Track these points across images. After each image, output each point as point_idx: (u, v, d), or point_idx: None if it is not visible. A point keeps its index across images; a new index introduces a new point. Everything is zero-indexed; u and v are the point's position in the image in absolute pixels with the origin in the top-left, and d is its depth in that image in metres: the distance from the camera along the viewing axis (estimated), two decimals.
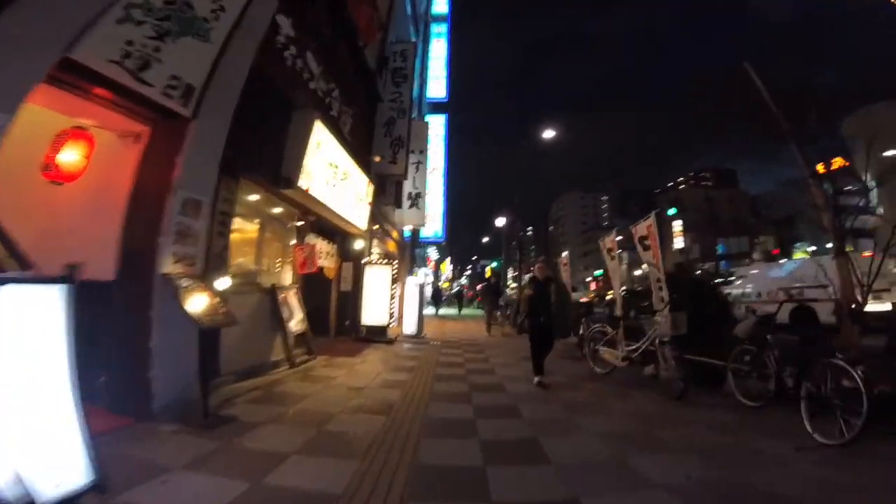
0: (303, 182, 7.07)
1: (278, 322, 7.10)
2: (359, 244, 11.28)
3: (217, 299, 4.45)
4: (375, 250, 13.47)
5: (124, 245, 4.31)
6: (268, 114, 6.49)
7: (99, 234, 4.41)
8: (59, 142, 4.10)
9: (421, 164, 15.93)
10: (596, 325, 8.10)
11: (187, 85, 4.25)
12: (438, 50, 22.58)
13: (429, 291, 13.59)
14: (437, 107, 22.91)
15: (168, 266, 4.22)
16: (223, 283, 4.80)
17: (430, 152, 17.45)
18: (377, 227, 13.42)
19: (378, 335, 11.01)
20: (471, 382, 6.70)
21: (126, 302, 4.22)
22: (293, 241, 8.94)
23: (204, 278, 4.56)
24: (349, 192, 9.60)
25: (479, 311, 25.32)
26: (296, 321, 7.61)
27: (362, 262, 11.42)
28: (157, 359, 4.11)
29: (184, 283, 4.20)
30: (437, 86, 22.38)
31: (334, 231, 10.42)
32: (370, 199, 11.25)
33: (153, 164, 4.42)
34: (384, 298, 11.32)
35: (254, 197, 7.48)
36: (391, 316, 11.36)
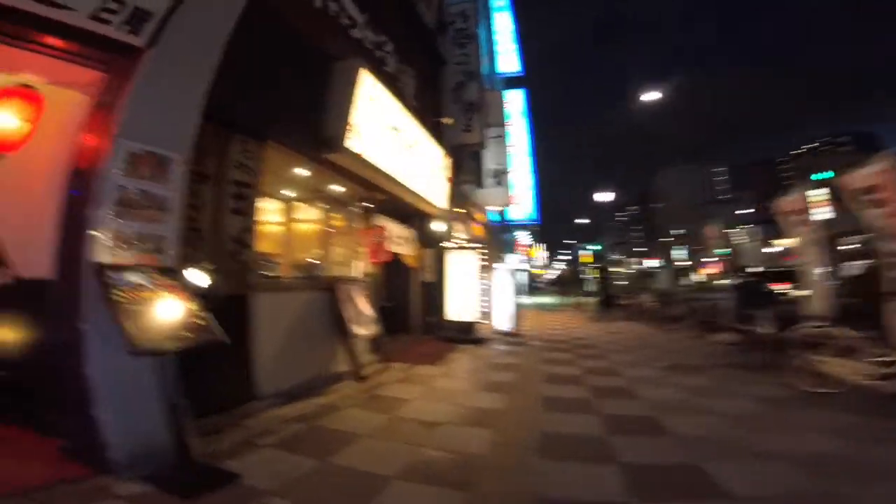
0: (353, 143, 5.37)
1: (340, 325, 5.51)
2: (441, 227, 9.44)
3: (193, 304, 2.81)
4: (459, 234, 11.60)
5: (60, 227, 2.86)
6: (301, 70, 5.07)
7: (39, 216, 3.04)
8: None
9: (500, 139, 14.04)
10: (808, 324, 5.23)
11: (136, 8, 2.88)
12: (503, 23, 20.38)
13: (521, 279, 11.51)
14: (511, 82, 20.89)
15: (104, 253, 2.64)
16: (200, 277, 3.10)
17: (510, 129, 16.09)
18: (460, 208, 11.56)
19: (465, 333, 9.10)
20: (604, 414, 4.42)
21: (58, 309, 2.77)
22: (358, 225, 7.35)
23: (176, 272, 2.95)
24: (420, 163, 7.82)
25: (582, 300, 22.32)
26: (364, 323, 5.99)
27: (443, 247, 9.57)
28: (101, 391, 2.63)
29: (130, 278, 2.61)
30: (508, 60, 20.43)
31: (410, 213, 8.75)
32: (448, 173, 9.39)
33: (98, 116, 2.94)
34: (470, 290, 9.35)
35: (301, 171, 5.99)
36: (480, 310, 9.36)
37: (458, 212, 12.16)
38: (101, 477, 2.56)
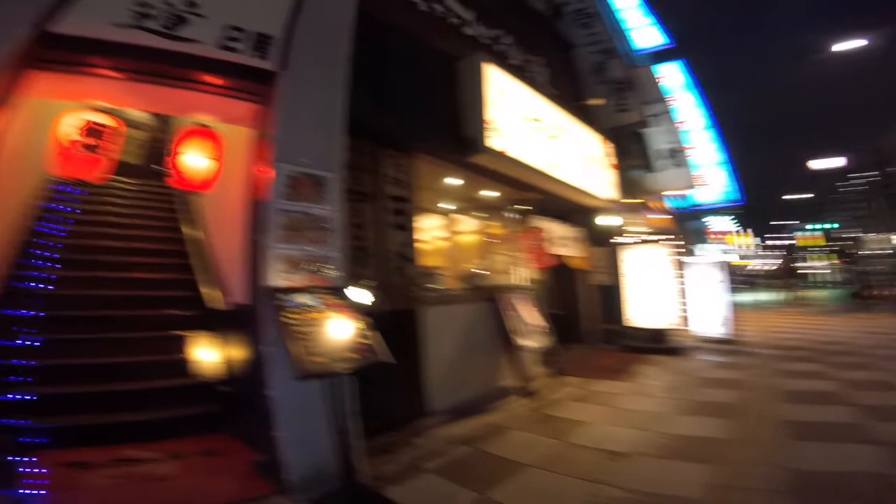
0: (494, 141, 5.10)
1: (504, 337, 5.20)
2: (610, 221, 8.43)
3: (359, 323, 2.80)
4: (637, 227, 10.22)
5: (247, 255, 3.22)
6: (428, 75, 5.01)
7: (238, 245, 3.52)
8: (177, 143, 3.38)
9: (666, 116, 12.09)
10: None
11: (258, 34, 3.19)
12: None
13: (724, 273, 9.31)
14: (661, 56, 18.24)
15: (277, 277, 2.82)
16: (364, 295, 3.08)
17: (676, 104, 14.13)
18: (634, 197, 10.21)
19: (655, 341, 7.77)
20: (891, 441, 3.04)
21: (252, 332, 3.08)
22: (516, 230, 7.01)
23: (343, 291, 3.01)
24: (572, 152, 7.08)
25: (808, 293, 17.42)
26: (530, 333, 5.54)
27: (617, 243, 8.48)
28: (280, 411, 2.77)
29: (300, 300, 2.72)
30: (647, 34, 17.87)
31: (572, 209, 8.01)
32: (610, 159, 8.36)
33: (261, 146, 3.22)
34: (659, 290, 8.00)
35: (452, 180, 5.98)
36: (675, 313, 7.90)
37: (631, 202, 10.79)
38: (276, 497, 2.64)
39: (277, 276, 2.82)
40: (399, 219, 4.24)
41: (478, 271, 6.41)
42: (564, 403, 4.80)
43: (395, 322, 3.90)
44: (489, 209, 7.36)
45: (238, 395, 3.54)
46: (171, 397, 3.63)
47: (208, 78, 3.17)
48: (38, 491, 2.44)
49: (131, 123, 8.71)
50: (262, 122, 3.23)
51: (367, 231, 3.92)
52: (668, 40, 18.00)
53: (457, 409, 4.31)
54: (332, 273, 3.04)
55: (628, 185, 9.42)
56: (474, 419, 4.25)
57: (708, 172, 17.10)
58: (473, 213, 7.50)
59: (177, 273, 5.04)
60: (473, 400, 4.57)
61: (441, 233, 7.81)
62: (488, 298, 5.36)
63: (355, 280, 3.55)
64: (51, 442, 2.91)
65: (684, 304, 8.05)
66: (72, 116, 3.22)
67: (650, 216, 11.31)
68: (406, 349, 4.02)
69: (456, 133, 5.11)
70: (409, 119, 4.53)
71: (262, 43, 3.21)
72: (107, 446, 3.00)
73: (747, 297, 20.44)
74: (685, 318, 8.10)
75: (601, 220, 8.40)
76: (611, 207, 8.40)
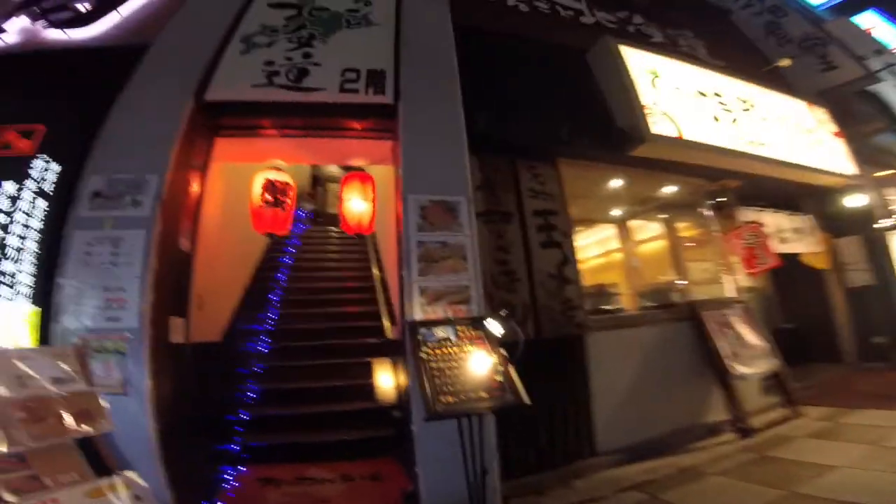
0: (660, 127, 4.30)
1: (711, 362, 4.17)
2: (859, 200, 6.21)
3: (497, 357, 2.52)
4: None
5: (397, 290, 3.31)
6: (557, 76, 4.66)
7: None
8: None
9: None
10: None
11: (369, 71, 3.50)
12: None
13: None
14: (848, 8, 13.70)
15: (416, 310, 2.75)
16: (499, 326, 2.72)
17: None
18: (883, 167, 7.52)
19: None
20: None
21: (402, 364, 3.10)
22: (718, 228, 5.70)
23: (483, 321, 2.77)
24: (772, 124, 5.57)
25: None
26: (749, 356, 4.34)
27: (879, 229, 6.16)
28: (419, 447, 2.70)
29: (438, 333, 2.59)
30: None
31: (791, 194, 6.23)
32: (827, 126, 6.32)
33: (397, 181, 3.32)
34: None
35: (613, 182, 5.28)
36: None
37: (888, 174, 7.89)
38: None
39: (418, 309, 2.77)
40: (548, 235, 3.82)
41: (669, 285, 5.37)
42: (797, 441, 3.60)
43: (551, 351, 3.51)
44: (675, 208, 6.24)
45: (405, 421, 3.59)
46: (355, 419, 3.94)
47: (338, 122, 3.56)
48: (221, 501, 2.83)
49: (329, 178, 10.59)
50: (395, 156, 3.34)
51: (512, 253, 3.62)
52: None
53: (635, 450, 3.60)
54: (471, 303, 2.83)
55: (874, 154, 6.93)
56: (660, 461, 3.50)
57: None
58: (655, 217, 6.47)
59: (366, 307, 5.68)
60: (660, 438, 3.75)
61: (615, 244, 6.97)
62: (685, 317, 4.40)
63: (500, 308, 3.29)
64: (251, 458, 3.44)
65: None
66: (259, 176, 3.92)
67: None
68: (565, 381, 3.56)
69: (605, 128, 4.52)
70: (544, 124, 4.23)
71: (375, 79, 3.45)
72: (295, 464, 3.42)
73: None
74: None
75: (846, 201, 6.23)
76: (855, 183, 6.19)
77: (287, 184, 3.98)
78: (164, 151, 2.95)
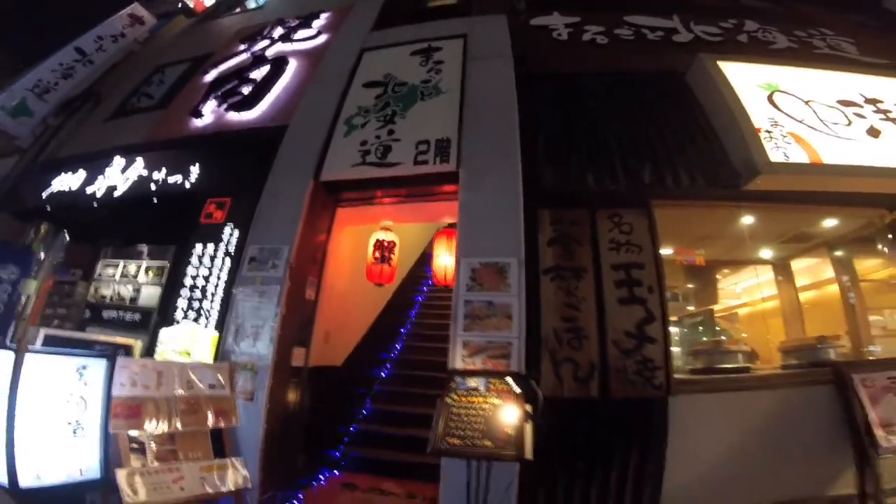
0: (783, 152, 3.80)
1: (854, 433, 3.36)
2: None
3: (518, 412, 2.70)
4: None
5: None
6: (644, 115, 4.40)
7: None
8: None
9: None
10: None
11: (437, 140, 4.04)
12: None
13: None
14: None
15: (458, 360, 3.11)
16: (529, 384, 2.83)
17: None
18: None
19: None
20: None
21: None
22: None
23: (520, 377, 2.96)
24: None
25: None
26: None
27: None
28: (443, 483, 3.06)
29: (470, 383, 2.91)
30: None
31: None
32: None
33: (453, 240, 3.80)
34: None
35: (746, 220, 4.60)
36: None
37: None
38: None
39: (459, 360, 3.11)
40: (629, 291, 3.62)
41: (819, 341, 4.31)
42: None
43: (619, 413, 3.35)
44: (848, 244, 5.01)
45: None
46: None
47: (424, 189, 4.24)
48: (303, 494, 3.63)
49: None
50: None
51: (581, 310, 3.55)
52: None
53: None
54: (512, 358, 3.04)
55: None
56: None
57: None
58: (822, 255, 5.27)
59: None
60: None
61: (771, 290, 5.82)
62: (825, 380, 3.61)
63: (564, 365, 3.36)
64: (347, 465, 4.23)
65: None
66: (371, 237, 4.82)
67: None
68: (633, 445, 3.32)
69: (715, 160, 4.06)
70: (630, 166, 4.02)
71: (442, 147, 3.98)
72: (377, 476, 4.04)
73: None
74: None
75: None
76: None
77: (393, 242, 4.77)
78: (293, 225, 4.01)
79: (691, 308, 6.03)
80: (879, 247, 4.59)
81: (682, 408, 3.39)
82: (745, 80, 4.19)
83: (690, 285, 6.08)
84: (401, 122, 4.40)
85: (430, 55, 4.99)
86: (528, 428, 2.63)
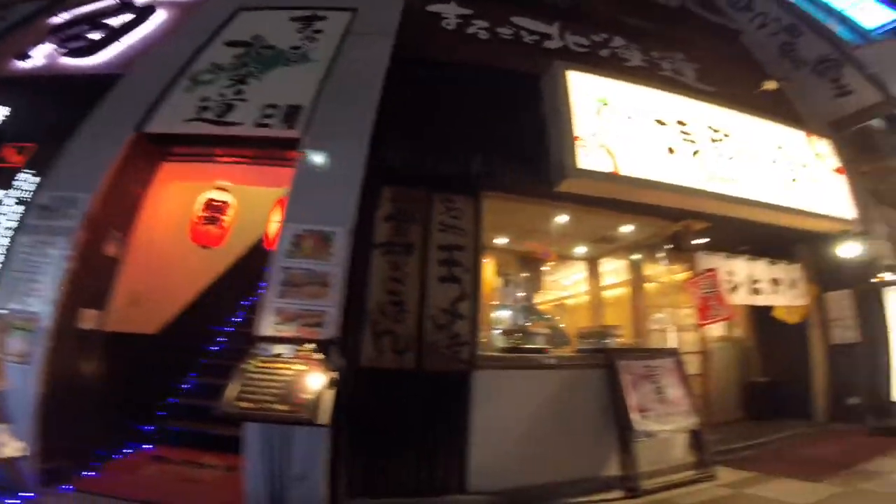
0: (592, 160, 4.34)
1: (616, 413, 3.99)
2: (854, 251, 5.67)
3: (322, 379, 2.77)
4: None
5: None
6: (499, 112, 4.67)
7: None
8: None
9: None
10: None
11: (289, 106, 3.90)
12: None
13: None
14: None
15: (268, 327, 3.07)
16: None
17: None
18: None
19: None
20: None
21: None
22: (680, 274, 5.49)
23: (329, 345, 3.02)
24: (754, 158, 5.23)
25: None
26: (664, 412, 4.07)
27: (874, 284, 5.57)
28: (248, 450, 2.99)
29: (275, 350, 2.91)
30: (868, 12, 12.27)
31: (781, 240, 5.81)
32: (833, 162, 5.82)
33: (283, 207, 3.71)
34: None
35: (561, 219, 5.22)
36: None
37: None
38: None
39: (270, 327, 3.08)
40: (449, 270, 3.92)
41: (608, 329, 5.08)
42: None
43: (432, 384, 3.62)
44: (641, 250, 6.03)
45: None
46: None
47: (268, 152, 4.02)
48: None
49: None
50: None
51: (407, 284, 3.75)
52: None
53: (513, 494, 3.54)
54: (326, 327, 3.09)
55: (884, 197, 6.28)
56: None
57: None
58: (623, 257, 6.27)
59: None
60: (545, 486, 3.66)
61: (584, 286, 6.78)
62: (602, 364, 4.19)
63: (384, 336, 3.52)
64: (162, 439, 4.01)
65: None
66: (202, 196, 4.47)
67: None
68: (443, 414, 3.62)
69: (541, 161, 4.48)
70: (469, 156, 4.26)
71: (291, 114, 3.87)
72: (198, 450, 3.88)
73: None
74: None
75: (840, 251, 5.71)
76: (853, 231, 5.66)
77: (226, 203, 4.47)
78: (97, 173, 3.54)
79: (522, 294, 6.75)
80: (661, 254, 5.66)
81: (487, 383, 3.75)
82: (587, 91, 4.65)
83: (524, 274, 6.80)
84: (254, 83, 4.19)
85: (311, 23, 4.76)
86: (329, 394, 2.72)
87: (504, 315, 6.24)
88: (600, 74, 4.93)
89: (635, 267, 5.98)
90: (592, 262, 6.71)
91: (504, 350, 4.71)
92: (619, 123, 4.68)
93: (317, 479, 2.94)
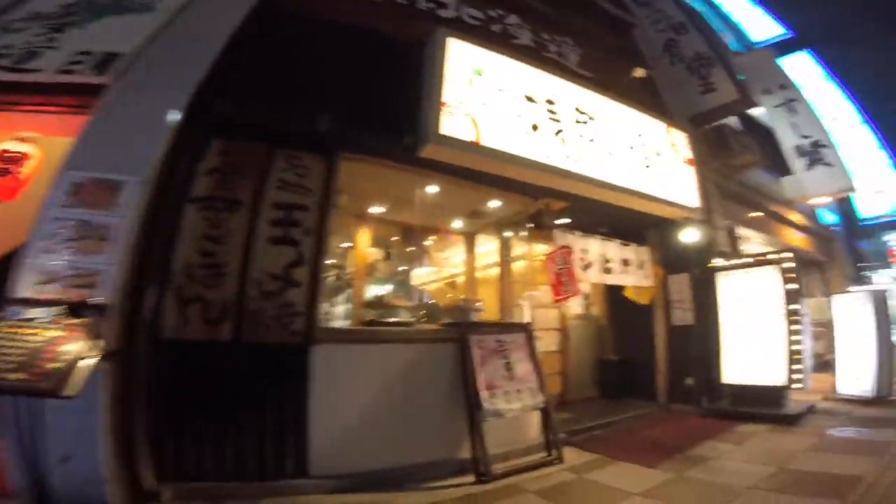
0: (458, 129, 4.21)
1: (466, 394, 3.88)
2: (693, 237, 6.25)
3: (94, 348, 2.35)
4: (755, 245, 7.54)
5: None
6: (379, 74, 4.43)
7: None
8: None
9: (797, 103, 9.65)
10: None
11: (105, 53, 3.41)
12: None
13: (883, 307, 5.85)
14: (786, 47, 15.89)
15: (25, 287, 2.56)
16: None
17: (814, 97, 11.88)
18: (748, 206, 7.71)
19: (762, 404, 5.28)
20: None
21: None
22: (539, 251, 5.67)
23: (90, 309, 2.57)
24: (613, 143, 5.48)
25: None
26: (513, 391, 4.05)
27: (711, 268, 6.18)
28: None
29: (28, 314, 2.42)
30: (759, 25, 16.80)
31: (636, 224, 6.21)
32: (686, 153, 6.33)
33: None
34: (770, 332, 5.49)
35: (423, 189, 5.10)
36: (793, 364, 5.27)
37: (755, 215, 8.07)
38: None
39: (28, 287, 2.56)
40: (284, 231, 3.59)
41: (467, 304, 5.08)
42: (523, 497, 3.29)
43: (257, 358, 3.29)
44: (508, 226, 6.11)
45: None
46: None
47: (71, 101, 3.33)
48: None
49: None
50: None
51: (226, 245, 3.37)
52: (785, 31, 16.49)
53: (360, 478, 3.34)
54: (100, 288, 2.64)
55: (742, 190, 7.10)
56: (379, 494, 3.23)
57: (879, 176, 12.53)
58: (493, 233, 6.34)
59: None
60: (395, 470, 3.49)
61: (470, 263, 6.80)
62: (454, 339, 4.07)
63: (192, 303, 3.13)
64: None
65: (812, 350, 5.35)
66: None
67: (781, 229, 8.23)
68: (273, 391, 3.33)
69: (408, 127, 4.28)
70: (327, 115, 3.95)
71: (106, 61, 3.32)
72: None
73: None
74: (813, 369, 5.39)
75: (683, 237, 6.26)
76: (696, 218, 6.23)
77: (26, 154, 3.75)
78: None
79: (403, 268, 6.63)
80: (524, 232, 5.79)
81: (330, 357, 3.50)
82: (465, 61, 4.50)
83: (409, 249, 6.66)
84: (74, 31, 3.65)
85: None
86: (88, 364, 2.31)
87: (376, 289, 6.08)
88: (483, 47, 4.78)
89: (504, 244, 6.07)
90: (470, 237, 6.73)
91: (366, 324, 4.51)
92: (489, 95, 4.59)
93: (90, 461, 2.52)
